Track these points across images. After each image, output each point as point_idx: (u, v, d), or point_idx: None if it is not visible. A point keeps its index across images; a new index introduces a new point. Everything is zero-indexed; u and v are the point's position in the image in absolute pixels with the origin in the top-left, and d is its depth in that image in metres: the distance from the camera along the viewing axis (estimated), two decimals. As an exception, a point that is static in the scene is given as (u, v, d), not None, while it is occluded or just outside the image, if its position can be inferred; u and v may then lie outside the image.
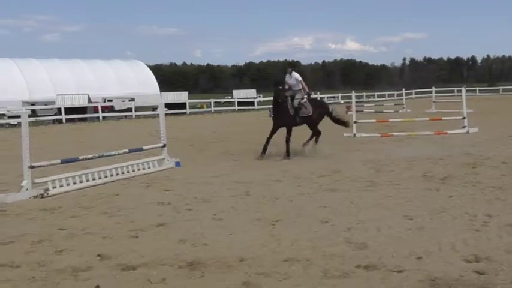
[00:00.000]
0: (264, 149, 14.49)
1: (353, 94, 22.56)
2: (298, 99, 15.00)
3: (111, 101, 48.75)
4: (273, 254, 5.84)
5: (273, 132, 14.83)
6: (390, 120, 22.61)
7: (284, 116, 14.70)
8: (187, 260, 5.68)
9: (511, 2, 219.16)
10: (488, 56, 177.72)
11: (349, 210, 7.89)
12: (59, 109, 40.85)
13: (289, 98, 14.78)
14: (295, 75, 15.30)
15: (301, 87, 15.22)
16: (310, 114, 15.10)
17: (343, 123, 16.14)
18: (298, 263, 5.51)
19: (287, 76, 15.34)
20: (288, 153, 14.33)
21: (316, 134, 15.41)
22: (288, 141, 14.51)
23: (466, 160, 12.60)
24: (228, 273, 5.29)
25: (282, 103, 14.60)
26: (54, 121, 39.35)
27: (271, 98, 15.21)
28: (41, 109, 42.35)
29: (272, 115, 15.22)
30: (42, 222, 7.83)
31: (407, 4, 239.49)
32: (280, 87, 14.65)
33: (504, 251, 5.67)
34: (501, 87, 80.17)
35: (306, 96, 15.36)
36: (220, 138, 20.78)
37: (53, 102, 44.37)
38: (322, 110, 15.85)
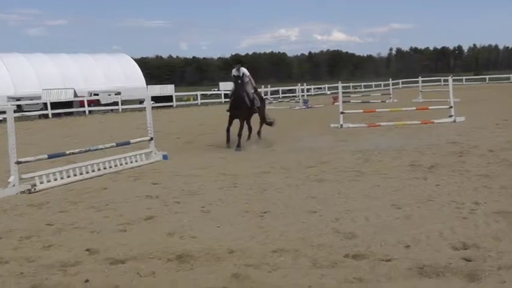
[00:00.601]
0: (228, 139, 15.41)
1: (339, 85, 22.56)
2: (251, 92, 15.82)
3: (97, 94, 48.41)
4: (261, 245, 5.84)
5: (230, 123, 15.68)
6: (377, 110, 22.64)
7: (242, 107, 15.45)
8: (176, 252, 5.67)
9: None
10: (474, 45, 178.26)
11: (337, 201, 7.91)
12: (45, 104, 40.52)
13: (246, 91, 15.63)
14: (243, 70, 15.76)
15: (248, 80, 15.82)
16: (259, 106, 16.06)
17: (269, 123, 16.82)
18: (287, 253, 5.52)
19: (234, 71, 15.86)
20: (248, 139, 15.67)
21: (251, 129, 16.22)
22: (240, 134, 15.16)
23: (453, 149, 12.67)
24: (217, 265, 5.29)
25: (240, 96, 15.44)
26: (40, 116, 39.06)
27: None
28: (26, 104, 41.96)
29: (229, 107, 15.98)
30: (30, 217, 7.78)
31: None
32: (240, 81, 15.41)
33: (491, 238, 5.71)
34: (487, 76, 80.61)
35: (252, 90, 16.04)
36: (207, 130, 20.74)
37: (39, 97, 44.01)
38: (264, 103, 16.92)
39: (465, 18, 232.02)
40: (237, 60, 16.99)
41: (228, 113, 15.85)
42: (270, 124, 16.73)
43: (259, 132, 16.36)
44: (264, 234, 6.27)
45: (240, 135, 15.07)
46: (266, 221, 6.95)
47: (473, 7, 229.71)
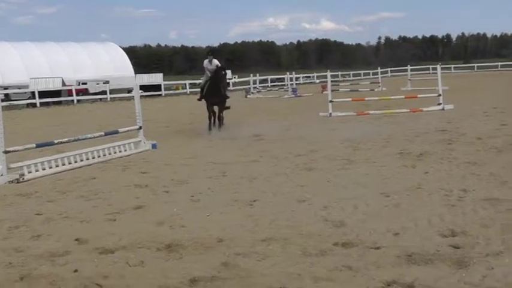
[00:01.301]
0: (210, 126, 16.45)
1: (328, 73, 22.50)
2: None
3: (85, 83, 48.18)
4: (251, 234, 5.85)
5: (210, 110, 16.60)
6: (366, 99, 22.69)
7: (219, 95, 16.21)
8: (165, 242, 5.67)
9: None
10: (463, 33, 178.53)
11: (326, 189, 7.92)
12: (33, 93, 40.23)
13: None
14: (215, 61, 16.54)
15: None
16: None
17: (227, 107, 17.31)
18: (276, 242, 5.53)
19: (206, 62, 16.65)
20: (220, 127, 16.43)
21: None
22: (221, 117, 16.49)
23: (441, 137, 12.73)
24: (207, 254, 5.29)
25: (218, 85, 16.17)
26: (28, 105, 38.83)
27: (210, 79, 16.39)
28: (14, 93, 41.69)
29: (205, 95, 16.61)
30: (18, 207, 7.74)
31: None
32: (224, 72, 16.39)
33: (479, 225, 5.75)
34: (476, 65, 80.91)
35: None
36: (197, 119, 20.68)
37: (27, 86, 43.70)
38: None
39: (453, 6, 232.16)
40: (211, 51, 17.42)
41: (205, 102, 16.69)
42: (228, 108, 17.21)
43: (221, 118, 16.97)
44: (253, 223, 6.28)
45: (221, 118, 16.48)
46: (255, 209, 6.95)
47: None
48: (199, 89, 17.10)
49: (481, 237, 5.35)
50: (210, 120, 16.55)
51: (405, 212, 6.45)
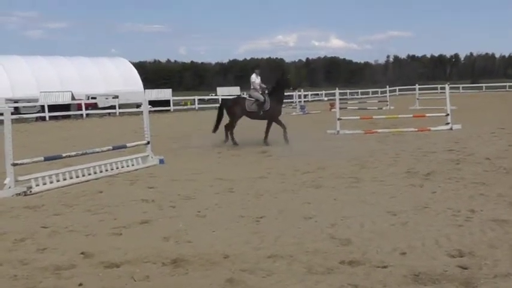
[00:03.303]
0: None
1: (337, 91, 22.58)
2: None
3: (94, 98, 48.47)
4: (256, 251, 5.83)
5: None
6: (374, 117, 22.67)
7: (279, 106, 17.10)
8: (171, 257, 5.66)
9: (493, 1, 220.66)
10: (471, 53, 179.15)
11: (333, 207, 7.90)
12: (42, 106, 40.49)
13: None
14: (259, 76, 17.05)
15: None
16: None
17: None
18: (281, 259, 5.51)
19: (254, 76, 16.91)
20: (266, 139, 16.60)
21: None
22: (268, 130, 16.76)
23: (449, 156, 12.69)
24: (212, 270, 5.28)
25: (283, 94, 17.23)
26: (37, 118, 39.08)
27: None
28: (24, 106, 41.96)
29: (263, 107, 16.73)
30: (25, 220, 7.76)
31: (392, 2, 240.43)
32: (289, 76, 17.00)
33: (487, 246, 5.71)
34: (484, 85, 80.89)
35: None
36: (204, 135, 20.69)
37: (36, 100, 44.00)
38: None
39: (462, 26, 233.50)
40: (258, 66, 18.52)
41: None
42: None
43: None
44: (259, 240, 6.26)
45: (268, 131, 16.74)
46: (261, 226, 6.93)
47: (471, 16, 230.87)
48: (254, 101, 16.84)
49: (488, 258, 5.32)
50: (228, 132, 16.91)
51: (412, 231, 6.41)
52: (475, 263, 5.20)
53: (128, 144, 13.13)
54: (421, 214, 7.25)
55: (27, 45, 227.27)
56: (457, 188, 8.96)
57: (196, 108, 51.04)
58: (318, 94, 68.29)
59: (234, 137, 16.81)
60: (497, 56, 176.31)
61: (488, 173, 10.32)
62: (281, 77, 17.19)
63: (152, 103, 43.11)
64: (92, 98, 48.52)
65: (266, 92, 16.81)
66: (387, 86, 48.78)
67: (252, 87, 17.00)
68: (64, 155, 11.48)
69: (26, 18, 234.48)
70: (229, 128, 16.95)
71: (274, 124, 16.65)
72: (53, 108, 40.36)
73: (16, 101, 44.66)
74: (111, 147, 12.67)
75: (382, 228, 6.59)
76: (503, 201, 7.85)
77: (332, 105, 32.28)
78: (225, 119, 17.19)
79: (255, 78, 16.85)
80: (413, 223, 6.78)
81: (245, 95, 18.94)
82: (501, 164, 11.22)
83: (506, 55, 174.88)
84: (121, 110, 44.34)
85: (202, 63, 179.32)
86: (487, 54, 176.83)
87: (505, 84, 76.73)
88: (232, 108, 17.10)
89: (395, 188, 9.17)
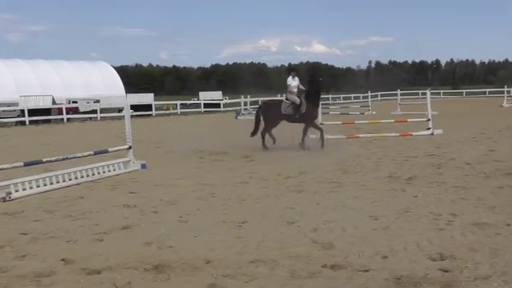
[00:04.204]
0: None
1: (319, 96, 22.57)
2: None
3: (75, 102, 48.04)
4: (239, 256, 5.82)
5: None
6: (356, 122, 22.78)
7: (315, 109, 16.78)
8: (153, 263, 5.62)
9: (474, 8, 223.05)
10: (452, 60, 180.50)
11: (315, 211, 7.91)
12: (22, 111, 40.07)
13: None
14: (297, 78, 16.68)
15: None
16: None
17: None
18: (264, 264, 5.50)
19: (290, 79, 16.67)
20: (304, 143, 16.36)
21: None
22: (306, 132, 16.65)
23: (430, 161, 12.78)
24: (194, 275, 5.25)
25: (319, 97, 16.76)
26: (17, 123, 38.66)
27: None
28: (3, 111, 41.47)
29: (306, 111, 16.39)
30: (4, 226, 7.66)
31: (374, 8, 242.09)
32: (321, 79, 16.64)
33: (468, 249, 5.75)
34: (464, 90, 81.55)
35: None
36: (187, 140, 20.65)
37: (16, 104, 43.51)
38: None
39: (443, 33, 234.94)
40: (293, 68, 18.78)
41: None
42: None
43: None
44: (242, 244, 6.25)
45: (306, 133, 16.63)
46: (244, 231, 6.92)
47: (452, 23, 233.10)
48: (289, 104, 16.56)
49: (469, 261, 5.36)
50: (266, 135, 16.73)
51: (394, 235, 6.44)
52: (456, 266, 5.24)
53: (110, 149, 13.04)
54: (403, 218, 7.28)
55: (7, 48, 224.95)
56: (439, 192, 9.03)
57: (179, 112, 50.89)
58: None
59: (266, 140, 16.68)
60: (477, 62, 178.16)
61: (469, 177, 10.42)
62: (312, 79, 16.81)
63: (134, 107, 42.93)
64: (73, 102, 48.07)
65: (303, 94, 16.44)
66: (369, 91, 49.02)
67: (288, 90, 16.72)
68: (44, 160, 11.37)
69: (5, 20, 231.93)
70: (266, 131, 16.77)
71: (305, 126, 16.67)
72: (33, 112, 39.96)
73: (-5, 105, 44.20)
74: (92, 152, 12.58)
75: (364, 233, 6.61)
76: (483, 204, 7.92)
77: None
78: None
79: (291, 81, 16.62)
80: (395, 227, 6.82)
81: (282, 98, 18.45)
82: (481, 168, 11.33)
83: (486, 62, 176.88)
84: (103, 115, 44.02)
85: (184, 67, 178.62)
86: (467, 60, 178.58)
87: (485, 90, 77.44)
88: (267, 111, 16.97)
89: (378, 192, 9.21)
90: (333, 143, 17.85)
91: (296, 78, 16.69)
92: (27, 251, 6.27)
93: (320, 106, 17.29)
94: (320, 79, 16.55)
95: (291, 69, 17.76)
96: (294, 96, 16.53)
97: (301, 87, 16.63)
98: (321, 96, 17.11)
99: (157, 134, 25.04)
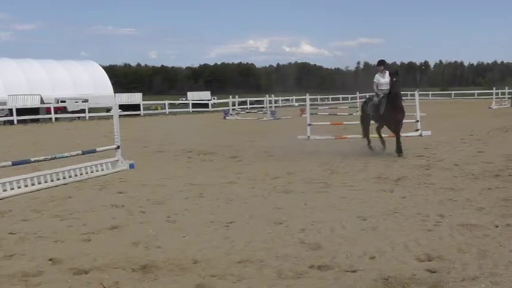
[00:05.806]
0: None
1: (307, 97, 22.60)
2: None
3: (64, 101, 47.80)
4: (226, 256, 5.82)
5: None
6: (344, 122, 22.78)
7: (401, 110, 14.37)
8: (141, 263, 5.61)
9: (463, 11, 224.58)
10: (440, 61, 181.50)
11: (303, 212, 7.92)
12: (10, 110, 39.86)
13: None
14: (387, 73, 14.47)
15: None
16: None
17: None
18: (252, 264, 5.50)
19: (378, 76, 14.68)
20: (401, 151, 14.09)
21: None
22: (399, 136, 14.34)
23: (419, 162, 12.83)
24: (182, 275, 5.25)
25: (400, 98, 14.10)
26: (5, 122, 38.45)
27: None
28: (-9, 110, 41.30)
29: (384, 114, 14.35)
30: (-9, 225, 7.62)
31: (363, 9, 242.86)
32: (395, 79, 13.89)
33: (456, 250, 5.78)
34: (453, 92, 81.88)
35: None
36: (175, 140, 20.62)
37: (4, 103, 43.25)
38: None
39: (432, 34, 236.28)
40: (382, 62, 14.75)
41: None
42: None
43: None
44: (229, 245, 6.25)
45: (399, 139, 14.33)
46: (231, 231, 6.92)
47: (440, 24, 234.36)
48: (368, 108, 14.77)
49: (457, 262, 5.38)
50: (369, 139, 15.34)
51: (382, 236, 6.46)
52: (444, 266, 5.26)
53: (98, 149, 12.99)
54: (391, 219, 7.30)
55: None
56: (427, 193, 9.06)
57: (167, 112, 50.79)
58: (288, 99, 68.38)
59: (371, 141, 15.50)
60: (466, 64, 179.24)
61: (457, 178, 10.47)
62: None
63: (123, 107, 42.84)
64: (62, 101, 47.84)
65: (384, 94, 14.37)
66: (357, 92, 49.13)
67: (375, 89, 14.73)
68: (32, 159, 11.31)
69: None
70: (378, 129, 15.48)
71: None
72: (21, 111, 39.77)
73: (-17, 105, 43.91)
74: (80, 152, 12.53)
75: (352, 233, 6.63)
76: (471, 206, 7.96)
77: (302, 111, 32.33)
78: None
79: (378, 78, 14.60)
80: (383, 228, 6.84)
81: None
82: (470, 170, 11.39)
83: (475, 63, 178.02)
84: (91, 114, 43.86)
85: (172, 67, 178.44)
86: (456, 62, 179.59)
87: (473, 91, 77.97)
88: (361, 110, 15.86)
89: (366, 193, 9.24)
90: (321, 143, 17.88)
91: (386, 73, 14.50)
92: (15, 251, 6.23)
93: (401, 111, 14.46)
94: (393, 79, 13.97)
95: (379, 64, 15.00)
96: (377, 96, 14.70)
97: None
98: (401, 98, 14.33)
99: (145, 134, 24.97)
